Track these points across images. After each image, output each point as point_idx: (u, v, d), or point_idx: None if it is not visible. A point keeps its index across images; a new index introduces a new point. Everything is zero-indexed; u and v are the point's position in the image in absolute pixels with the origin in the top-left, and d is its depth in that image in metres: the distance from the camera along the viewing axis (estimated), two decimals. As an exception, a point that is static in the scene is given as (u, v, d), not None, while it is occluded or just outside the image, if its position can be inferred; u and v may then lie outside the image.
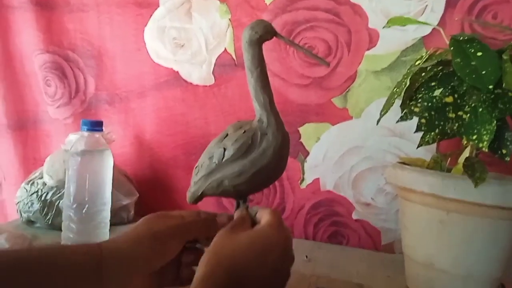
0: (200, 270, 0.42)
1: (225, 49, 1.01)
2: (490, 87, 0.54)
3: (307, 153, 0.98)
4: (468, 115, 0.58)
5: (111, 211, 0.74)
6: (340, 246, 0.96)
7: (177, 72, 1.05)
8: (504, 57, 0.58)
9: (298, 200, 0.99)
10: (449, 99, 0.61)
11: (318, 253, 0.88)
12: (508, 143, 0.59)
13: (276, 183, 1.00)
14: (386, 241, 0.94)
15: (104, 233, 0.72)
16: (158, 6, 1.05)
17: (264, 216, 0.49)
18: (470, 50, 0.60)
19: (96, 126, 0.71)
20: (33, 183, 0.92)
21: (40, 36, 1.13)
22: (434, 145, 0.84)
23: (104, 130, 0.76)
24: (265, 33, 0.52)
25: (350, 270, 0.79)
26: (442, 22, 0.86)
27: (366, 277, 0.75)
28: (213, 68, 1.02)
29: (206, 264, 0.43)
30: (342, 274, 0.75)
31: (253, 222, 0.50)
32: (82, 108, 1.14)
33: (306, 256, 0.85)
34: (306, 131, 0.97)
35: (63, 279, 0.45)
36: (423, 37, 0.87)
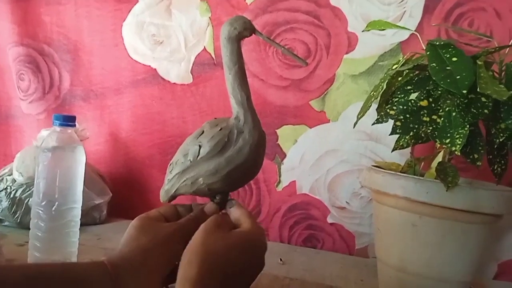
0: (192, 269, 0.42)
1: (205, 47, 1.00)
2: (464, 91, 0.55)
3: (284, 155, 0.97)
4: (442, 119, 0.59)
5: (82, 211, 0.72)
6: (315, 250, 0.96)
7: (155, 69, 1.04)
8: (479, 62, 0.59)
9: (274, 203, 0.99)
10: (424, 103, 0.61)
11: (292, 256, 0.88)
12: (480, 148, 0.60)
13: (253, 185, 0.99)
14: (360, 245, 0.94)
15: (74, 232, 0.70)
16: (138, 1, 1.04)
17: (244, 219, 0.50)
18: (445, 55, 0.61)
19: (68, 121, 0.68)
20: (1, 179, 0.90)
21: (15, 28, 1.10)
22: (409, 150, 0.85)
23: (78, 126, 0.74)
24: (244, 29, 0.51)
25: (323, 274, 0.79)
26: (419, 27, 0.87)
27: (339, 281, 0.75)
28: (192, 66, 1.01)
29: (201, 264, 0.42)
30: (316, 278, 0.75)
31: None
32: (56, 104, 1.12)
33: (281, 259, 0.84)
34: (284, 133, 0.97)
35: None
36: (401, 42, 0.88)
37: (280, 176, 0.98)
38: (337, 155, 0.94)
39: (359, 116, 0.70)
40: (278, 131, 0.97)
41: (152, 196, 1.06)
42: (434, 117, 0.60)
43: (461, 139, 0.56)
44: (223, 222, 0.48)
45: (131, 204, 1.06)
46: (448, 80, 0.56)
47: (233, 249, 0.44)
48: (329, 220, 0.96)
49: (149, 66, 1.04)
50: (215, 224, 0.47)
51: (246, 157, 0.51)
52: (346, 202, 0.94)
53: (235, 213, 0.51)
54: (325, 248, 0.96)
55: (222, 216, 0.51)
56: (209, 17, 0.99)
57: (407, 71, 0.68)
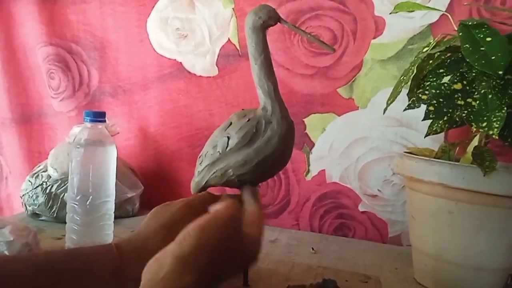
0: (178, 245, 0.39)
1: (229, 39, 1.00)
2: (500, 72, 0.53)
3: (312, 145, 0.96)
4: (478, 102, 0.57)
5: (115, 204, 0.73)
6: (346, 239, 0.95)
7: (181, 63, 1.04)
8: (515, 41, 0.57)
9: (303, 192, 0.98)
10: (458, 86, 0.59)
11: (324, 245, 0.87)
12: (518, 131, 0.58)
13: (281, 175, 0.99)
14: (393, 233, 0.93)
15: (108, 225, 0.71)
16: (161, -4, 1.04)
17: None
18: (479, 35, 0.58)
19: (99, 116, 0.70)
20: (37, 176, 0.92)
21: (43, 29, 1.13)
22: (442, 135, 0.83)
23: (108, 122, 0.75)
24: (268, 18, 0.51)
25: (356, 262, 0.78)
26: (450, 8, 0.84)
27: (373, 269, 0.74)
28: (217, 58, 1.01)
29: (182, 243, 0.39)
30: (348, 266, 0.74)
31: None
32: (86, 101, 1.14)
33: (312, 248, 0.84)
34: (312, 122, 0.96)
35: (83, 281, 0.45)
36: (431, 24, 0.85)
37: (309, 166, 0.97)
38: (366, 142, 0.92)
39: (389, 102, 0.68)
40: (305, 120, 0.96)
41: (182, 188, 1.07)
42: (469, 100, 0.58)
43: (498, 122, 0.54)
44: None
45: (162, 197, 1.06)
46: (483, 61, 0.54)
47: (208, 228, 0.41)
48: (361, 208, 0.94)
49: (175, 60, 1.05)
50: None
51: (275, 147, 0.51)
52: (378, 190, 0.93)
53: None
54: (357, 237, 0.95)
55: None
56: (233, 8, 0.99)
57: (438, 53, 0.66)
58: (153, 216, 0.51)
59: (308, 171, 0.97)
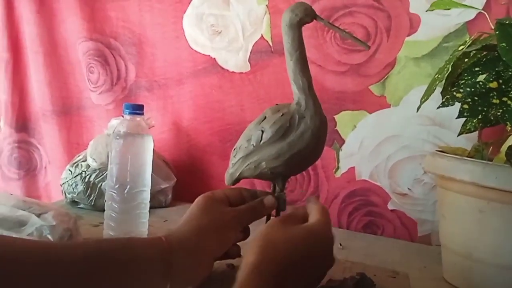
0: (251, 256, 0.43)
1: (262, 35, 1.01)
2: (538, 71, 0.52)
3: (342, 142, 0.97)
4: (513, 101, 0.56)
5: (150, 194, 0.76)
6: (375, 236, 0.95)
7: (214, 59, 1.07)
8: (553, 41, 0.56)
9: (332, 189, 0.99)
10: (494, 85, 0.59)
11: (352, 241, 0.88)
12: (555, 131, 0.57)
13: (311, 171, 1.00)
14: (423, 232, 0.92)
15: (144, 214, 0.74)
16: (197, -7, 1.06)
17: (314, 213, 0.50)
18: (516, 34, 0.58)
19: (137, 109, 0.73)
20: (77, 165, 0.96)
21: (84, 24, 1.17)
22: (475, 135, 0.81)
23: (144, 115, 0.78)
24: (305, 15, 0.52)
25: (385, 259, 0.78)
26: (487, 6, 0.83)
27: (401, 267, 0.74)
28: (249, 55, 1.03)
29: (259, 251, 0.43)
30: (376, 263, 0.74)
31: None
32: (123, 95, 1.18)
33: (340, 244, 0.84)
34: (342, 119, 0.96)
35: (132, 272, 0.45)
36: (467, 22, 0.84)
37: (338, 163, 0.98)
38: (398, 141, 0.92)
39: (423, 100, 0.68)
40: (336, 117, 0.96)
41: (213, 181, 1.09)
42: (505, 99, 0.58)
43: (534, 122, 0.53)
44: (289, 218, 0.49)
45: (194, 189, 1.09)
46: (520, 60, 0.54)
47: (291, 241, 0.45)
48: (390, 206, 0.94)
49: (209, 56, 1.07)
50: (281, 219, 0.48)
51: (308, 142, 0.52)
52: (408, 188, 0.92)
53: (309, 207, 0.52)
54: (385, 235, 0.95)
55: (291, 213, 0.51)
56: (266, 5, 1.00)
57: (474, 52, 0.65)
58: (204, 213, 0.52)
59: (338, 168, 0.98)
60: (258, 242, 0.44)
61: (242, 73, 1.04)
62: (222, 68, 1.06)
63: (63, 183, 0.97)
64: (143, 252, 0.47)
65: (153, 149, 0.76)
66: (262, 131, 0.53)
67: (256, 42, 1.02)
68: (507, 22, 0.60)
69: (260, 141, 0.53)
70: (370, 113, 0.94)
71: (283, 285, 0.42)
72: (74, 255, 0.43)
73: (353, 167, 0.97)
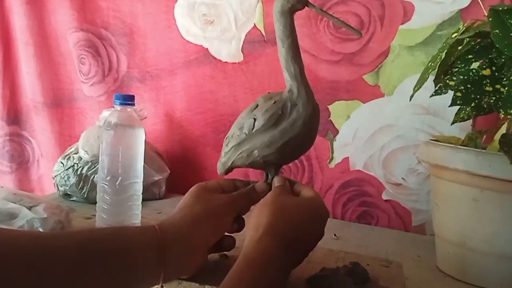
0: (264, 218, 0.46)
1: (255, 25, 1.00)
2: (532, 58, 0.52)
3: (336, 132, 0.96)
4: (506, 88, 0.56)
5: (143, 187, 0.76)
6: (369, 226, 0.95)
7: (207, 49, 1.06)
8: (547, 27, 0.56)
9: (326, 180, 0.99)
10: (487, 72, 0.59)
11: (346, 232, 0.88)
12: (549, 118, 0.57)
13: (305, 162, 0.99)
14: (417, 222, 0.92)
15: (136, 206, 0.74)
16: (189, -18, 1.05)
17: (307, 190, 0.53)
18: (509, 21, 0.57)
19: (128, 100, 0.71)
20: (69, 157, 0.95)
21: (74, 15, 1.15)
22: (469, 124, 0.81)
23: (136, 107, 0.77)
24: (296, 2, 0.51)
25: (379, 250, 0.78)
26: (481, -7, 0.82)
27: (395, 256, 0.74)
28: (242, 44, 1.02)
29: (272, 214, 0.47)
30: (371, 253, 0.75)
31: None
32: (115, 86, 1.17)
33: (335, 234, 0.84)
34: (336, 109, 0.96)
35: (126, 261, 0.45)
36: (461, 9, 0.84)
37: (332, 153, 0.97)
38: (392, 130, 0.92)
39: (416, 89, 0.67)
40: (330, 107, 0.96)
41: (207, 172, 1.09)
42: (498, 86, 0.57)
43: (527, 109, 0.53)
44: (288, 190, 0.53)
45: (187, 181, 1.08)
46: (513, 47, 0.53)
47: (299, 208, 0.49)
48: (384, 196, 0.94)
49: (201, 46, 1.06)
50: (283, 189, 0.52)
51: (300, 129, 0.51)
52: (402, 178, 0.92)
53: (299, 186, 0.55)
54: (380, 225, 0.95)
55: (287, 186, 0.54)
56: (259, -6, 0.99)
57: (467, 39, 0.65)
58: (196, 200, 0.52)
59: (332, 158, 0.98)
60: (269, 206, 0.48)
61: (235, 63, 1.03)
62: (215, 58, 1.05)
63: (55, 176, 0.96)
64: (136, 240, 0.47)
65: (146, 141, 0.75)
66: (255, 119, 0.53)
67: (249, 31, 1.01)
68: (500, 8, 0.60)
69: (253, 129, 0.53)
70: (364, 102, 0.93)
71: (290, 247, 0.45)
72: (66, 244, 0.42)
73: (347, 157, 0.96)
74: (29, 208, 0.68)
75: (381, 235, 0.88)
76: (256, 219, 0.47)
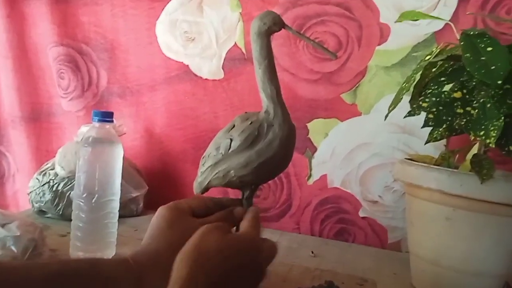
0: (184, 269, 0.41)
1: (235, 43, 1.01)
2: (499, 82, 0.54)
3: (314, 149, 0.98)
4: (476, 110, 0.58)
5: (121, 203, 0.75)
6: (347, 243, 0.96)
7: (188, 66, 1.06)
8: (515, 52, 0.58)
9: (305, 197, 0.99)
10: (458, 94, 0.60)
11: (324, 249, 0.88)
12: (516, 140, 0.59)
13: (283, 179, 1.00)
14: (393, 239, 0.93)
15: (113, 223, 0.73)
16: (171, -1, 1.06)
17: (245, 224, 0.50)
18: (480, 45, 0.59)
19: (106, 116, 0.71)
20: (45, 173, 0.94)
21: (55, 29, 1.15)
22: (444, 143, 0.83)
23: (115, 122, 0.77)
24: (273, 24, 0.52)
25: (356, 267, 0.79)
26: (454, 17, 0.85)
27: (371, 274, 0.75)
28: (223, 62, 1.03)
29: (192, 264, 0.41)
30: (347, 270, 0.75)
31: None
32: (95, 101, 1.16)
33: (312, 252, 0.85)
34: (315, 126, 0.97)
35: None
36: (435, 32, 0.86)
37: (311, 170, 0.98)
38: (369, 148, 0.93)
39: (390, 109, 0.69)
40: (308, 125, 0.97)
41: (186, 189, 1.08)
42: (468, 108, 0.59)
43: (496, 131, 0.55)
44: (222, 226, 0.47)
45: (166, 197, 1.07)
46: (483, 71, 0.55)
47: (225, 250, 0.43)
48: (361, 214, 0.95)
49: (182, 62, 1.06)
50: (213, 227, 0.46)
51: (276, 150, 0.52)
52: (379, 196, 0.93)
53: (246, 215, 0.52)
54: (357, 242, 0.96)
55: (225, 216, 0.52)
56: (240, 12, 1.00)
57: (440, 62, 0.67)
58: (171, 226, 0.50)
59: (310, 176, 0.98)
60: (190, 254, 0.43)
61: (215, 80, 1.04)
62: (196, 75, 1.06)
63: (30, 192, 0.94)
64: (114, 272, 0.45)
65: (125, 157, 0.75)
66: (231, 140, 0.53)
67: (230, 49, 1.02)
68: (471, 33, 0.62)
69: (229, 149, 0.53)
70: (342, 121, 0.95)
71: None
72: (37, 277, 0.41)
73: (325, 175, 0.97)
74: (2, 226, 0.66)
75: (358, 252, 0.89)
76: (176, 272, 0.41)
